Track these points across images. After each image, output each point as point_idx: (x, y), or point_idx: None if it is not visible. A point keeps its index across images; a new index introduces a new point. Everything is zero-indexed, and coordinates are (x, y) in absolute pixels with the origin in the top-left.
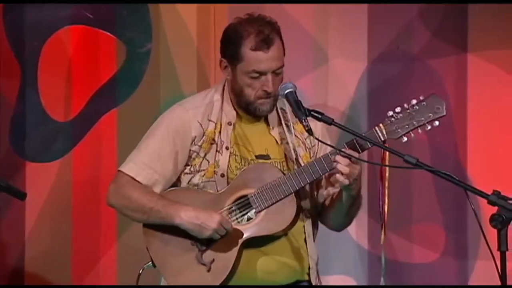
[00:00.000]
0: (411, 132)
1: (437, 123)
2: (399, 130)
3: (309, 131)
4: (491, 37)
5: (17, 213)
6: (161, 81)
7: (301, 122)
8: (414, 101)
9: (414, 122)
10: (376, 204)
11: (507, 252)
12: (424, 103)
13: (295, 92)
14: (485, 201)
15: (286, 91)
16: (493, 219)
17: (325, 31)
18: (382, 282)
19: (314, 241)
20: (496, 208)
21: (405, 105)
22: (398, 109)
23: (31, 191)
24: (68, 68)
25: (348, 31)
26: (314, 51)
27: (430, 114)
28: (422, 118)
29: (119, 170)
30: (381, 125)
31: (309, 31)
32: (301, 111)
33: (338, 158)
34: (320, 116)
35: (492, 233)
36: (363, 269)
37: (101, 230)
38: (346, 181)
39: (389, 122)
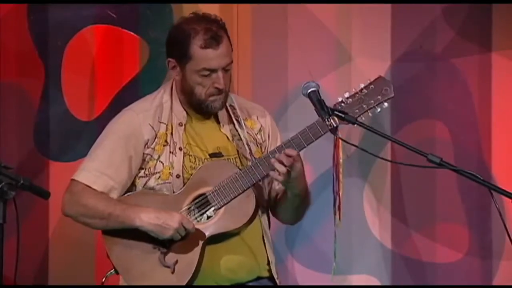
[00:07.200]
0: (362, 116)
1: (386, 104)
2: (350, 116)
3: (333, 130)
4: None
5: (40, 212)
6: None
7: (324, 121)
8: (362, 85)
9: (364, 106)
10: (400, 205)
11: None
12: (372, 86)
13: (318, 91)
14: (510, 200)
15: (309, 90)
16: None
17: (349, 31)
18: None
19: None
20: None
21: (354, 89)
22: (347, 94)
23: (55, 190)
24: (91, 68)
25: (371, 30)
26: (337, 50)
27: (379, 97)
28: (372, 101)
29: (72, 179)
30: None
31: (332, 31)
32: (324, 110)
33: (277, 156)
34: (343, 116)
35: None
36: (386, 268)
37: None
38: (280, 178)
39: (339, 108)
